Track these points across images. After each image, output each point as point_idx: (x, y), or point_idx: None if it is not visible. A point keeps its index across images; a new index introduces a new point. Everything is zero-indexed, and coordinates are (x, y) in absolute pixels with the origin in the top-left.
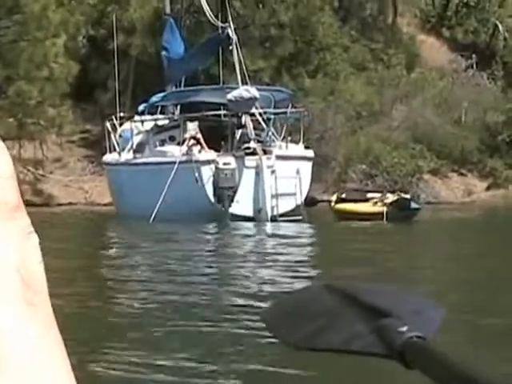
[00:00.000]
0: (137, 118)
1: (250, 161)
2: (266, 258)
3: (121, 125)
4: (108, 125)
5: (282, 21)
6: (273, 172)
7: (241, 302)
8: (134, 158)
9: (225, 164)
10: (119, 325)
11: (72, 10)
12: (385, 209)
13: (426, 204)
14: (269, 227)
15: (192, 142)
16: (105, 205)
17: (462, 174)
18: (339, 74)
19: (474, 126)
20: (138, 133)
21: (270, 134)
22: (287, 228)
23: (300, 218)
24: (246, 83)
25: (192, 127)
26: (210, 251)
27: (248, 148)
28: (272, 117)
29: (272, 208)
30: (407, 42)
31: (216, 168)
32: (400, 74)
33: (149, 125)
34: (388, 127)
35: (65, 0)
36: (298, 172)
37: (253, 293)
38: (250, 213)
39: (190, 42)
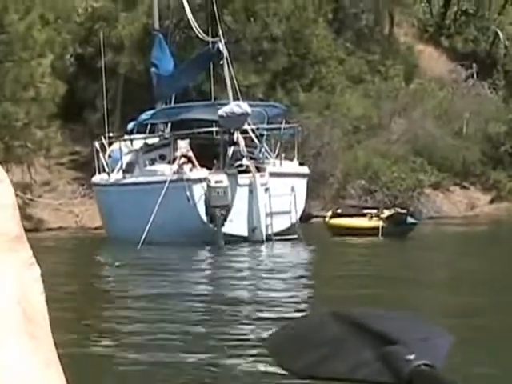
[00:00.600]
0: (126, 137)
1: (243, 178)
2: (261, 281)
3: (110, 145)
4: (97, 145)
5: (274, 34)
6: (267, 190)
7: (237, 329)
8: (124, 178)
9: (217, 182)
10: (110, 361)
11: (58, 28)
12: (380, 223)
13: (428, 219)
14: (263, 247)
15: (183, 160)
16: (95, 228)
17: (464, 187)
18: (335, 87)
19: (475, 138)
20: (128, 152)
21: (263, 150)
22: (282, 248)
23: (295, 236)
24: (238, 99)
25: (183, 145)
26: (203, 275)
27: (241, 165)
28: (265, 133)
29: (266, 227)
30: (405, 52)
31: (208, 186)
32: (398, 85)
33: (138, 144)
34: (387, 141)
35: (51, 18)
36: (292, 189)
37: (251, 319)
38: (243, 232)
39: (181, 58)
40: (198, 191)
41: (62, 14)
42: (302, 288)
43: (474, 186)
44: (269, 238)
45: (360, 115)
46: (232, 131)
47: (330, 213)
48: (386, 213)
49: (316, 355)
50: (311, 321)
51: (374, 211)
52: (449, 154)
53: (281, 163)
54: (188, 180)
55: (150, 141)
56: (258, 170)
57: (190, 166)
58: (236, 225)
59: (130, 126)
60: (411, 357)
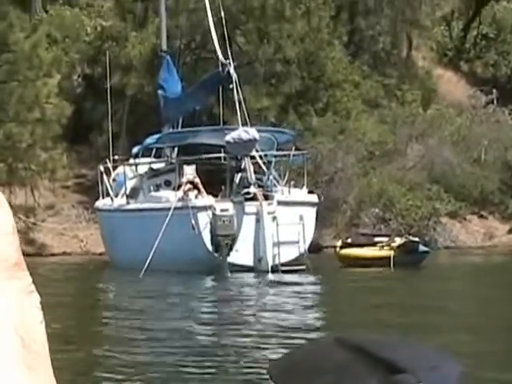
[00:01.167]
0: (131, 161)
1: (250, 207)
2: (265, 313)
3: (115, 168)
4: (101, 168)
5: (287, 56)
6: (274, 219)
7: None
8: (127, 203)
9: (222, 210)
10: None
11: (66, 47)
12: (392, 253)
13: (444, 249)
14: (270, 278)
15: (188, 186)
16: (100, 254)
17: (482, 217)
18: (350, 111)
19: (494, 165)
20: (133, 177)
21: (271, 178)
22: (289, 279)
23: (303, 267)
24: (248, 124)
25: (189, 171)
26: (206, 308)
27: (248, 193)
28: (273, 160)
29: (273, 257)
30: (423, 76)
31: (213, 214)
32: (415, 111)
33: (143, 168)
34: (402, 167)
35: (58, 37)
36: (301, 218)
37: (253, 358)
38: (250, 262)
39: (191, 80)
40: (204, 219)
41: (70, 32)
42: (304, 322)
43: (492, 215)
44: (275, 269)
45: (375, 141)
46: (239, 157)
47: (339, 242)
48: (398, 241)
49: (320, 383)
50: (315, 347)
51: (386, 239)
52: (466, 181)
53: (289, 191)
54: (193, 207)
55: (156, 166)
56: (266, 197)
57: (195, 192)
58: (242, 254)
59: (135, 150)
60: None
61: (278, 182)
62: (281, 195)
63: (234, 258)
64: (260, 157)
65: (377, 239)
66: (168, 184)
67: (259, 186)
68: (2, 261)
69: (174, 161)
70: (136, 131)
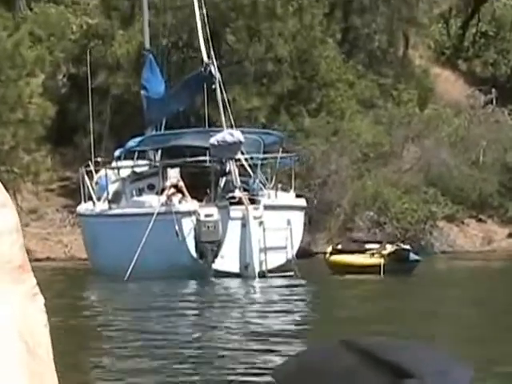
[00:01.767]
0: (113, 164)
1: (236, 211)
2: (251, 320)
3: (97, 171)
4: (83, 171)
5: (279, 55)
6: (261, 223)
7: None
8: (109, 208)
9: (207, 216)
10: None
11: (51, 46)
12: (382, 261)
13: (441, 253)
14: (256, 285)
15: (172, 190)
16: (85, 259)
17: (480, 220)
18: (344, 112)
19: (493, 167)
20: (115, 181)
21: (257, 181)
22: (276, 286)
23: (291, 273)
24: (233, 125)
25: (173, 174)
26: (190, 319)
27: (233, 197)
28: (259, 162)
29: (260, 263)
30: (420, 75)
31: (197, 220)
32: (412, 111)
33: (126, 172)
34: (398, 169)
35: (43, 36)
36: (288, 223)
37: (242, 369)
38: (235, 269)
39: (178, 81)
40: (188, 225)
41: (55, 30)
42: (293, 335)
43: (491, 218)
44: (262, 275)
45: (370, 142)
46: (224, 160)
47: (329, 249)
48: (388, 249)
49: None
50: (321, 350)
51: (377, 246)
52: (464, 184)
53: (276, 195)
54: (177, 213)
55: (139, 169)
56: (252, 202)
57: (179, 196)
58: (227, 261)
59: (117, 152)
60: None
61: (264, 185)
62: (267, 199)
63: (220, 264)
64: (246, 159)
65: (368, 246)
66: (151, 188)
67: (245, 190)
68: (5, 263)
69: (157, 164)
70: (122, 132)
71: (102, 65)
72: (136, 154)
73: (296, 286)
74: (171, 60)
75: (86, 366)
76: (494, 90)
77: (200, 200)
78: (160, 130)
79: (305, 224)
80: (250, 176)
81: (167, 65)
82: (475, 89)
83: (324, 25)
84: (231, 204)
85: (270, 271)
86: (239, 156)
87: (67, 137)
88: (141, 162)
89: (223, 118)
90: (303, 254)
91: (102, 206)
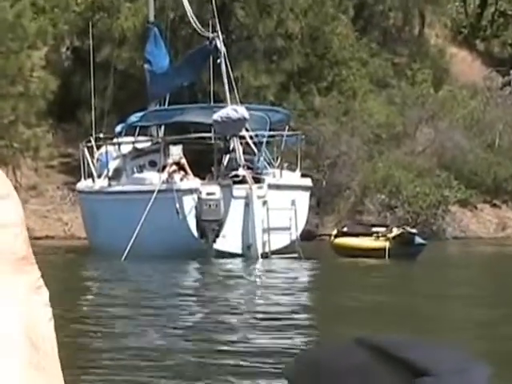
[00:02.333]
0: (114, 140)
1: (239, 190)
2: (253, 304)
3: (99, 147)
4: (84, 147)
5: (290, 31)
6: (264, 203)
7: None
8: (109, 185)
9: (208, 194)
10: None
11: (55, 18)
12: (387, 244)
13: (453, 239)
14: (259, 266)
15: (173, 167)
16: (85, 238)
17: (494, 206)
18: (356, 91)
19: (509, 151)
20: (116, 157)
21: (261, 159)
22: (280, 267)
23: (295, 255)
24: (237, 102)
25: (175, 151)
26: (189, 296)
27: (236, 176)
28: (265, 140)
29: (263, 244)
30: (435, 55)
31: (199, 198)
32: (426, 91)
33: (127, 148)
34: (411, 152)
35: (47, 7)
36: (293, 203)
37: (243, 355)
38: (238, 249)
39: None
40: (189, 203)
41: (59, 2)
42: (297, 319)
43: (505, 204)
44: (265, 256)
45: (382, 123)
46: (228, 138)
47: (335, 231)
48: (394, 232)
49: None
50: (334, 347)
51: (383, 229)
52: (478, 168)
53: (281, 174)
54: (178, 191)
55: (140, 145)
56: (256, 181)
57: (182, 174)
58: (229, 241)
59: (118, 128)
60: None
61: (269, 164)
62: (272, 178)
63: (221, 244)
64: (251, 137)
65: (374, 229)
66: (153, 165)
67: (249, 168)
68: (9, 253)
69: (159, 140)
70: (126, 108)
71: (107, 38)
72: (138, 129)
73: (298, 267)
74: (179, 34)
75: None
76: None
77: (203, 178)
78: (164, 105)
79: (310, 205)
80: (255, 154)
81: (174, 39)
82: (492, 70)
83: (336, 0)
84: (234, 183)
85: (274, 252)
86: (244, 133)
87: (70, 112)
88: (142, 137)
89: (227, 94)
90: (308, 236)
91: (101, 183)
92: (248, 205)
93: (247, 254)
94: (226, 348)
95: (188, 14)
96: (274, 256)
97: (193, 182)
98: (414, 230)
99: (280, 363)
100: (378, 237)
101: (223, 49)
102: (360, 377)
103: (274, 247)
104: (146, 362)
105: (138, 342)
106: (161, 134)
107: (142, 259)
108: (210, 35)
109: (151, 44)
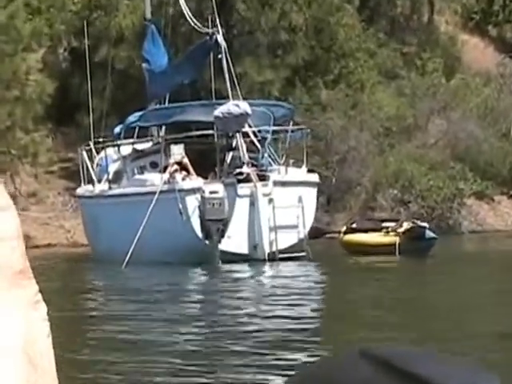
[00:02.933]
0: (114, 142)
1: (243, 188)
2: (261, 308)
3: (98, 151)
4: (83, 151)
5: (294, 23)
6: (270, 201)
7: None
8: (110, 189)
9: (212, 192)
10: None
11: (52, 18)
12: (397, 239)
13: (470, 233)
14: (266, 268)
15: (175, 167)
16: (88, 245)
17: None
18: (364, 83)
19: None
20: (116, 160)
21: (266, 156)
22: (288, 268)
23: (303, 254)
24: (239, 97)
25: (177, 151)
26: (195, 303)
27: (240, 173)
28: (269, 136)
29: (270, 243)
30: (446, 43)
31: (202, 198)
32: (437, 81)
33: (127, 150)
34: (423, 144)
35: (43, 7)
36: (300, 200)
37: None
38: (244, 250)
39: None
40: (192, 203)
41: (55, 1)
42: (304, 323)
43: None
44: (272, 257)
45: (392, 115)
46: (230, 134)
47: (344, 228)
48: (404, 226)
49: None
50: (338, 360)
51: (392, 224)
52: (494, 158)
53: (286, 170)
54: (180, 191)
55: (140, 146)
56: (261, 178)
57: (184, 174)
58: (235, 241)
59: (117, 129)
60: None
61: (274, 160)
62: (277, 175)
63: (227, 245)
64: (254, 133)
65: (384, 224)
66: (154, 166)
67: (253, 166)
68: (6, 267)
69: (159, 140)
70: (126, 109)
71: (105, 37)
72: (137, 130)
73: (308, 269)
74: (179, 31)
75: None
76: None
77: (206, 178)
78: (164, 104)
79: (320, 202)
80: (259, 151)
81: (174, 36)
82: (506, 56)
83: None
84: (238, 181)
85: (281, 252)
86: (247, 129)
87: (70, 115)
88: (142, 138)
89: (229, 90)
90: (317, 233)
91: (102, 187)
92: (253, 203)
93: (254, 254)
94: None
95: (184, 11)
96: (281, 255)
97: (195, 181)
98: (424, 224)
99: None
100: (388, 232)
101: (224, 44)
102: None
103: (281, 246)
104: None
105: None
106: (161, 133)
107: (145, 266)
108: (210, 31)
109: (149, 42)
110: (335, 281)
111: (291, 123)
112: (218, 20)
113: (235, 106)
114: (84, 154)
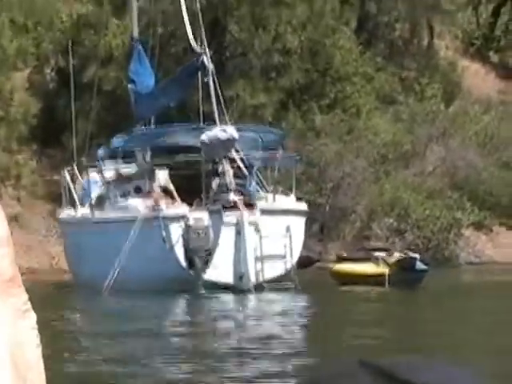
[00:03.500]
0: (97, 166)
1: (230, 216)
2: (242, 340)
3: (82, 174)
4: (66, 174)
5: (288, 46)
6: (257, 230)
7: None
8: (92, 213)
9: (196, 220)
10: None
11: (39, 37)
12: (387, 270)
13: (467, 265)
14: (252, 299)
15: (159, 193)
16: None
17: (511, 228)
18: (360, 108)
19: None
20: (100, 184)
21: (253, 183)
22: (274, 300)
23: (291, 285)
24: (226, 122)
25: (161, 176)
26: (176, 339)
27: (227, 201)
28: (257, 163)
29: (256, 273)
30: (446, 68)
31: (186, 225)
32: (436, 107)
33: (110, 174)
34: (420, 172)
35: (29, 24)
36: (288, 229)
37: None
38: (229, 279)
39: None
40: (176, 231)
41: (42, 19)
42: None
43: None
44: (259, 287)
45: (389, 142)
46: (217, 160)
47: (335, 257)
48: (395, 257)
49: None
50: (338, 370)
51: (383, 254)
52: (493, 188)
53: (274, 198)
54: (164, 218)
55: (125, 170)
56: (248, 206)
57: (169, 201)
58: (220, 271)
59: (101, 152)
60: None
61: (262, 187)
62: (265, 203)
63: (212, 274)
64: (242, 159)
65: (376, 254)
66: (138, 191)
67: (240, 193)
68: None
69: (144, 165)
70: (113, 132)
71: (93, 57)
72: (122, 153)
73: (296, 301)
74: (168, 51)
75: None
76: None
77: (191, 205)
78: (148, 126)
79: (312, 231)
80: (246, 178)
81: (164, 57)
82: (507, 83)
83: (337, 11)
84: (224, 208)
85: (268, 282)
86: (234, 155)
87: (55, 136)
88: (127, 160)
89: (216, 115)
90: (307, 263)
91: (84, 212)
92: (239, 232)
93: (239, 284)
94: None
95: (187, 29)
96: (267, 286)
97: (180, 208)
98: (415, 255)
99: None
100: (378, 262)
101: (211, 66)
102: None
103: (267, 276)
104: None
105: None
106: (147, 157)
107: (126, 293)
108: (198, 51)
109: (135, 62)
110: (319, 313)
111: (281, 149)
112: (205, 42)
113: (222, 131)
114: (67, 176)
